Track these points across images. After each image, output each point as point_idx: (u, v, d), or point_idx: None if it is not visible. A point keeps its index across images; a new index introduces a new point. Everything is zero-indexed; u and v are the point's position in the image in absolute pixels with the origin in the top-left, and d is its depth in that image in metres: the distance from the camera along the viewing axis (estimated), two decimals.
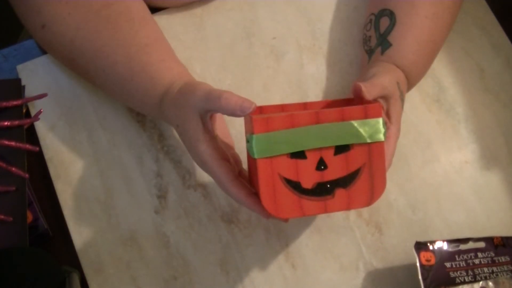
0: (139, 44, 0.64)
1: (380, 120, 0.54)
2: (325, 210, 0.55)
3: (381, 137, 0.54)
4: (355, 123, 0.53)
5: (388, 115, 0.61)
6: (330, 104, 0.61)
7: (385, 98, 0.60)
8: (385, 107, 0.61)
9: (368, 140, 0.54)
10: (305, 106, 0.60)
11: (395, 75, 0.63)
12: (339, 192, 0.55)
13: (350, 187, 0.55)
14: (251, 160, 0.56)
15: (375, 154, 0.55)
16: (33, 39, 0.75)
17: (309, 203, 0.54)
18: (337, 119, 0.53)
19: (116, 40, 0.63)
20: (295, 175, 0.54)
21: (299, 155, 0.53)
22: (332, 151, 0.54)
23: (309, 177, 0.54)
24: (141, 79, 0.62)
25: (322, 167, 0.54)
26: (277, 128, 0.52)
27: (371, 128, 0.54)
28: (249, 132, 0.55)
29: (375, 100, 0.58)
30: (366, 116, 0.54)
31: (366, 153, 0.55)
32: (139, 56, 0.63)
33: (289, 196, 0.54)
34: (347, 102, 0.61)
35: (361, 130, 0.54)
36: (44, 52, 0.73)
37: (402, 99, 0.63)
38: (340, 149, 0.54)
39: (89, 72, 0.65)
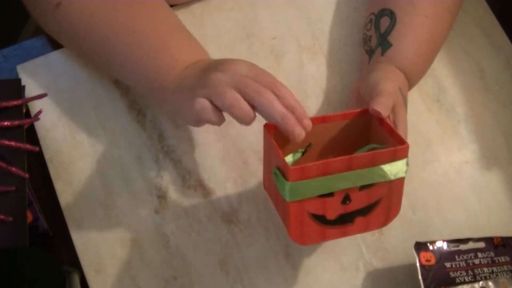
0: (174, 20, 0.65)
1: (405, 160, 0.56)
2: (345, 235, 0.58)
3: (404, 174, 0.57)
4: (384, 167, 0.55)
5: (395, 124, 0.61)
6: (349, 116, 0.61)
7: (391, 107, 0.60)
8: (391, 117, 0.61)
9: (392, 178, 0.56)
10: (323, 119, 0.61)
11: (396, 79, 0.63)
12: (359, 219, 0.57)
13: (369, 214, 0.58)
14: (278, 194, 0.57)
15: (395, 187, 0.57)
16: (33, 39, 0.75)
17: (331, 231, 0.57)
18: (367, 165, 0.55)
19: (150, 11, 0.63)
20: (322, 210, 0.56)
21: (328, 194, 0.55)
22: (357, 188, 0.56)
23: (333, 211, 0.56)
24: (181, 42, 0.63)
25: (347, 202, 0.56)
26: (311, 176, 0.54)
27: (396, 168, 0.56)
28: (277, 166, 0.56)
29: (401, 139, 0.58)
30: (393, 158, 0.55)
31: (387, 187, 0.57)
32: (178, 28, 0.64)
33: (314, 228, 0.56)
34: (363, 113, 0.61)
35: (387, 171, 0.56)
36: (49, 47, 0.73)
37: (405, 103, 0.63)
38: (365, 186, 0.56)
39: (106, 41, 0.63)
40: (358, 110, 0.61)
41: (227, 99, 0.53)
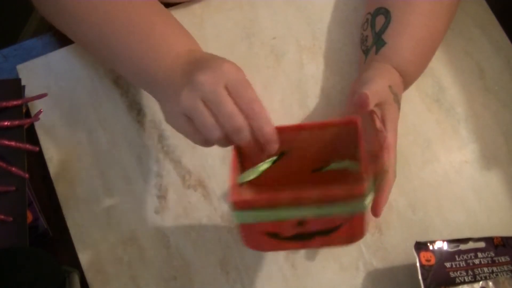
0: (168, 13, 0.64)
1: (364, 198, 0.51)
2: (305, 247, 0.55)
3: (364, 208, 0.52)
4: (338, 205, 0.51)
5: (383, 121, 0.61)
6: (326, 125, 0.59)
7: (379, 104, 0.60)
8: (379, 114, 0.61)
9: (351, 213, 0.51)
10: (299, 128, 0.58)
11: (388, 77, 0.63)
12: (319, 238, 0.53)
13: (329, 235, 0.53)
14: None
15: (357, 217, 0.52)
16: (33, 38, 0.75)
17: (290, 244, 0.54)
18: (318, 203, 0.51)
19: (142, 3, 0.62)
20: (276, 230, 0.53)
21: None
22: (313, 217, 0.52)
23: (289, 231, 0.53)
24: (176, 31, 0.62)
25: (302, 225, 0.52)
26: (257, 207, 0.51)
27: (354, 206, 0.51)
28: (229, 198, 0.53)
29: (366, 169, 0.54)
30: (349, 198, 0.50)
31: (348, 216, 0.52)
32: (173, 18, 0.63)
33: (270, 242, 0.54)
34: (343, 123, 0.58)
35: (342, 209, 0.51)
36: (39, 53, 0.73)
37: (397, 101, 0.63)
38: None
39: (103, 27, 0.62)
40: (337, 120, 0.59)
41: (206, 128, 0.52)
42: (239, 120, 0.52)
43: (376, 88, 0.60)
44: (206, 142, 0.55)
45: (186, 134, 0.55)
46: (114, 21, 0.62)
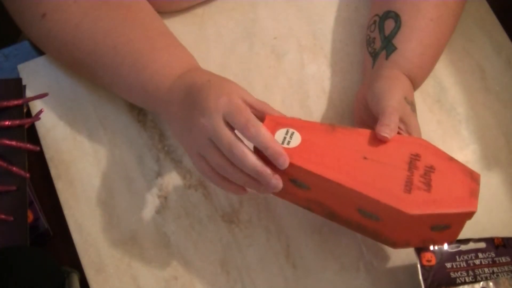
0: (158, 28, 0.64)
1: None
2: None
3: None
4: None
5: (408, 134, 0.60)
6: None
7: (400, 119, 0.60)
8: (403, 128, 0.60)
9: None
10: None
11: (401, 87, 0.62)
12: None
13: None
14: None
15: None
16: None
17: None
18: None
19: (132, 21, 0.63)
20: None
21: None
22: None
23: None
24: (162, 55, 0.62)
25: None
26: None
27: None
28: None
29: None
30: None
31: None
32: (160, 37, 0.64)
33: None
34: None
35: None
36: (40, 52, 0.73)
37: (414, 110, 0.62)
38: None
39: (92, 55, 0.63)
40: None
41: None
42: (238, 147, 0.54)
43: (393, 105, 0.59)
44: (227, 182, 0.57)
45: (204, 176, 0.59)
46: (102, 47, 0.62)
